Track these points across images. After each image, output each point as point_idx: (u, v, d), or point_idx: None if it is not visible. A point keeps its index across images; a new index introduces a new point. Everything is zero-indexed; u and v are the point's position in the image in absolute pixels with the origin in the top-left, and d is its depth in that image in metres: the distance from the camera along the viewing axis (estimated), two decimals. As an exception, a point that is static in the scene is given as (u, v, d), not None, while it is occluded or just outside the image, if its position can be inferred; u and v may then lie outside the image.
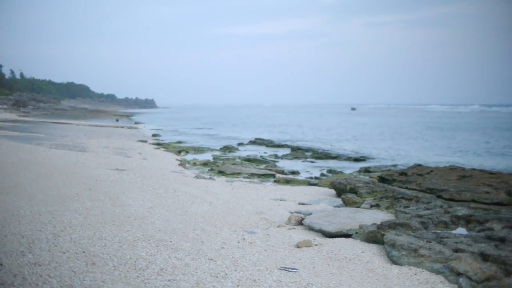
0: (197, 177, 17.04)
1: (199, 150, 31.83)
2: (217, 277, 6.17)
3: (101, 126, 52.90)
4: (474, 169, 15.49)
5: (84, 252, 6.66)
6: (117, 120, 75.10)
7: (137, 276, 5.90)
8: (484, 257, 6.96)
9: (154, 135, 44.00)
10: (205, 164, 23.54)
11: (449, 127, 64.14)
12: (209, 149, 32.58)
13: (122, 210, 9.66)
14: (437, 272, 6.91)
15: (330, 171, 22.72)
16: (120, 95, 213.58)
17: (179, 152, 29.07)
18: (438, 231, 8.68)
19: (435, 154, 32.00)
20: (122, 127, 54.89)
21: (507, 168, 24.12)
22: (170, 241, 7.63)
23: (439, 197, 11.97)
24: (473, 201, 11.40)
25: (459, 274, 6.55)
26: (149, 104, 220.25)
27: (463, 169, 15.47)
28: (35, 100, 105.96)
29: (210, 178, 17.31)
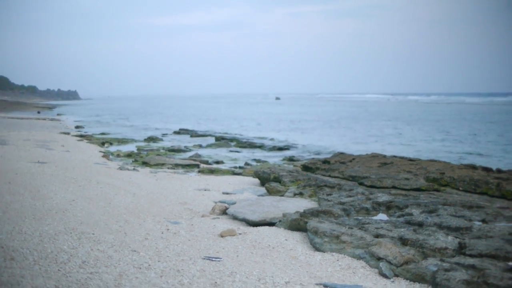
0: (120, 168, 16.87)
1: (123, 141, 31.56)
2: (140, 268, 6.13)
3: (22, 118, 51.72)
4: (394, 156, 15.83)
5: (2, 247, 6.49)
6: (38, 112, 73.55)
7: (58, 270, 5.80)
8: (403, 241, 7.13)
9: (77, 127, 43.35)
10: (129, 155, 23.32)
11: (364, 116, 65.33)
12: (133, 140, 32.33)
13: (43, 203, 9.48)
14: (359, 257, 7.05)
15: (254, 160, 22.85)
16: (41, 87, 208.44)
17: (103, 143, 28.74)
18: (360, 218, 8.85)
19: (356, 142, 32.53)
20: (44, 119, 53.79)
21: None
22: (93, 234, 7.53)
23: (361, 184, 12.18)
24: (394, 187, 11.65)
25: (379, 258, 6.69)
26: (72, 95, 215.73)
27: (384, 156, 15.78)
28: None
29: (134, 169, 17.16)
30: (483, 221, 8.09)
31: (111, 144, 29.59)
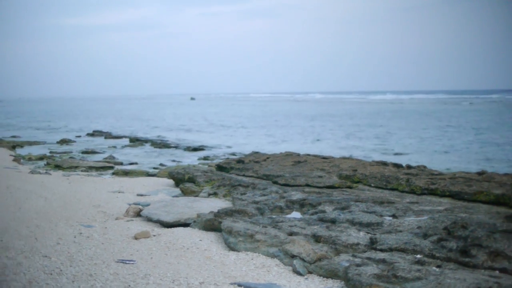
0: (32, 172, 16.50)
1: (35, 144, 30.95)
2: (51, 274, 6.00)
3: None
4: (308, 155, 16.01)
5: None
6: None
7: (-37, 280, 5.63)
8: (317, 238, 7.23)
9: (-16, 130, 42.15)
10: (41, 158, 22.91)
11: (277, 114, 66.04)
12: (45, 143, 31.73)
13: None
14: (273, 255, 7.10)
15: (169, 161, 22.78)
16: None
17: (13, 147, 28.01)
18: (274, 216, 8.90)
19: (271, 142, 32.81)
20: None
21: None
22: (1, 240, 7.33)
23: (275, 183, 12.27)
24: (307, 185, 11.77)
25: (293, 256, 6.75)
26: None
27: (298, 154, 15.94)
28: None
29: (46, 172, 16.83)
30: (394, 216, 8.27)
31: (22, 147, 28.94)
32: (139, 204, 10.89)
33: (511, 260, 5.80)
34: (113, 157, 23.47)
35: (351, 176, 12.32)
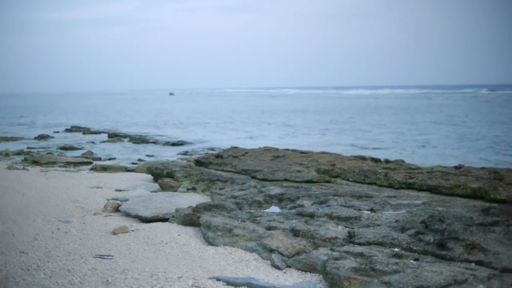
0: (9, 168, 16.40)
1: (12, 139, 30.70)
2: (28, 269, 5.97)
3: None
4: (287, 149, 16.03)
5: None
6: None
7: None
8: (295, 232, 7.25)
9: (-40, 126, 41.77)
10: (18, 154, 22.75)
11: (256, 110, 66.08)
12: (22, 138, 31.48)
13: None
14: (251, 250, 7.11)
15: (148, 156, 22.73)
16: None
17: (-11, 143, 27.86)
18: (252, 211, 8.90)
19: (249, 137, 32.82)
20: None
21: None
22: (-23, 236, 7.29)
23: (254, 177, 12.26)
24: (286, 180, 11.78)
25: (271, 250, 6.77)
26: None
27: (277, 149, 15.96)
28: None
29: (23, 168, 16.71)
30: (372, 210, 8.31)
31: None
32: (117, 199, 10.87)
33: (486, 252, 5.87)
34: (92, 153, 23.36)
35: (329, 170, 12.36)
